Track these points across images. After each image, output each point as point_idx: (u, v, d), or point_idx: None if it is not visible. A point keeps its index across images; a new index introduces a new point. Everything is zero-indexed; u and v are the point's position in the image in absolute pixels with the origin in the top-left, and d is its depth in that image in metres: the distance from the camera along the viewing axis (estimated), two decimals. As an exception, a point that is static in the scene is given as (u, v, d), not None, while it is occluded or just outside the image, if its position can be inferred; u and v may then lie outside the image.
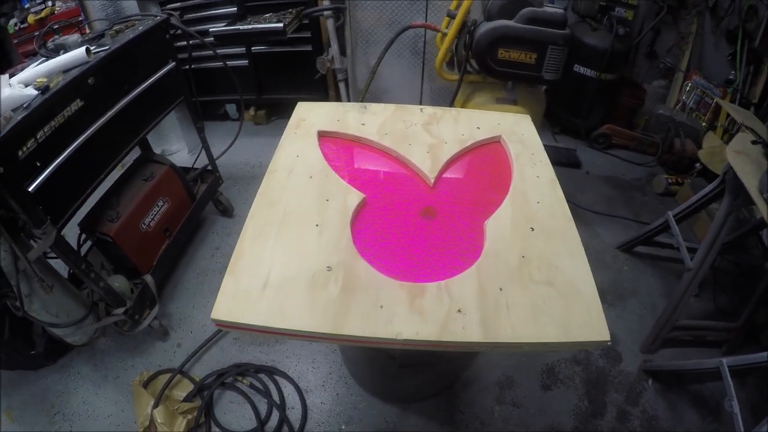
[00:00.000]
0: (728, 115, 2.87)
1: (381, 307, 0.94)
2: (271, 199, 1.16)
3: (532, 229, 1.14)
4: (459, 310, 0.95)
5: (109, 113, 1.72)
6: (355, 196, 1.17)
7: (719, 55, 3.03)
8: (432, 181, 1.26)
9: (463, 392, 1.89)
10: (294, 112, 1.48)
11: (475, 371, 1.95)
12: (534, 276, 1.04)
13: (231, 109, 3.18)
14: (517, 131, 1.48)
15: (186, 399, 1.84)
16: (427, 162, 1.30)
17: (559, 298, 1.00)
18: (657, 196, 2.87)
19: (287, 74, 2.93)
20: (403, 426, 1.79)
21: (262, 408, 1.82)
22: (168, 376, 1.90)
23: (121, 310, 1.84)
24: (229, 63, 2.65)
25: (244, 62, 2.90)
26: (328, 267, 1.01)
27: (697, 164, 2.83)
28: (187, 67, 2.17)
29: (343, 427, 1.79)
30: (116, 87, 1.77)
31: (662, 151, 2.97)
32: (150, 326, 1.98)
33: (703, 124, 2.97)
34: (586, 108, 2.97)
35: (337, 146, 1.37)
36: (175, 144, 2.84)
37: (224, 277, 1.01)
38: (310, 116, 1.44)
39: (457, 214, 1.19)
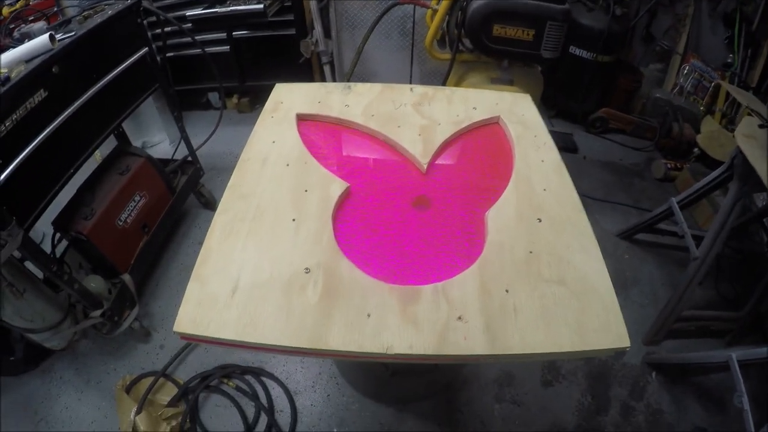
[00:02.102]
0: (727, 98, 2.73)
1: (368, 315, 0.78)
2: (243, 191, 0.99)
3: (540, 220, 0.98)
4: (459, 318, 0.79)
5: (77, 103, 1.54)
6: (337, 186, 0.99)
7: (716, 38, 2.86)
8: (425, 166, 1.08)
9: (461, 391, 1.74)
10: (271, 94, 1.30)
11: (473, 368, 1.80)
12: (544, 273, 0.88)
13: (214, 97, 2.97)
14: (517, 111, 1.31)
15: (170, 403, 1.68)
16: (418, 146, 1.12)
17: (573, 299, 0.84)
18: (656, 181, 2.71)
19: (271, 59, 2.73)
20: (398, 428, 1.63)
21: (250, 411, 1.66)
22: (151, 379, 1.73)
23: (98, 312, 1.67)
24: (210, 49, 2.47)
25: (226, 48, 2.69)
26: (306, 269, 0.84)
27: (696, 149, 2.68)
28: (163, 53, 1.98)
29: (335, 430, 1.63)
30: (84, 75, 1.59)
31: (660, 136, 2.80)
32: (131, 327, 1.81)
33: (701, 108, 2.81)
34: (583, 91, 2.79)
35: (317, 130, 1.19)
36: (156, 135, 2.64)
37: (189, 282, 0.84)
38: (289, 98, 1.26)
39: (453, 204, 1.02)
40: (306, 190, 0.98)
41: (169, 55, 2.60)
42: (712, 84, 2.75)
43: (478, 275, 0.85)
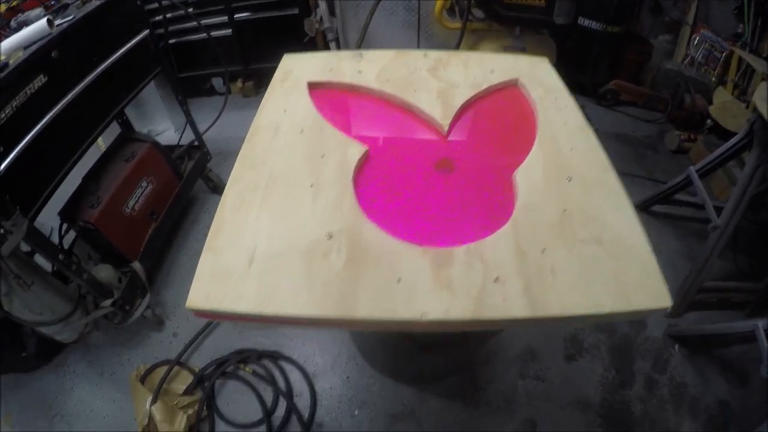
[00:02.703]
0: (738, 69, 2.63)
1: (399, 280, 0.71)
2: (254, 161, 0.92)
3: (569, 180, 0.91)
4: (496, 279, 0.72)
5: (78, 88, 1.48)
6: (355, 150, 0.92)
7: (726, 9, 2.74)
8: (446, 129, 1.01)
9: (483, 368, 1.68)
10: (279, 65, 1.22)
11: (495, 344, 1.74)
12: (579, 233, 0.81)
13: (218, 82, 2.89)
14: (536, 74, 1.23)
15: (186, 392, 1.62)
16: (437, 108, 1.05)
17: (610, 259, 0.77)
18: (669, 153, 2.62)
19: (274, 40, 2.63)
20: (421, 408, 1.58)
21: (268, 397, 1.61)
22: (165, 368, 1.68)
23: (108, 301, 1.62)
24: (212, 33, 2.38)
25: (228, 32, 2.60)
26: (328, 234, 0.77)
27: (708, 120, 2.58)
28: (165, 39, 1.90)
29: (356, 412, 1.58)
30: (84, 59, 1.52)
31: (672, 107, 2.70)
32: (143, 316, 1.76)
33: (713, 79, 2.70)
34: (593, 63, 2.69)
35: (330, 98, 1.11)
36: (161, 124, 2.57)
37: (201, 256, 0.77)
38: (299, 68, 1.18)
39: (478, 166, 0.95)
40: (322, 156, 0.91)
41: (171, 41, 2.52)
42: (723, 54, 2.64)
43: (512, 235, 0.79)
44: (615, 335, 1.80)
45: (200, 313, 0.72)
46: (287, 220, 0.80)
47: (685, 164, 2.51)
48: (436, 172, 0.92)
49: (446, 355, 1.27)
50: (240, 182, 0.88)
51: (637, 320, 1.85)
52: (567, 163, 0.95)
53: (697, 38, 2.74)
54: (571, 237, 0.80)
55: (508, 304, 0.69)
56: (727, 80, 2.67)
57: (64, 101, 1.42)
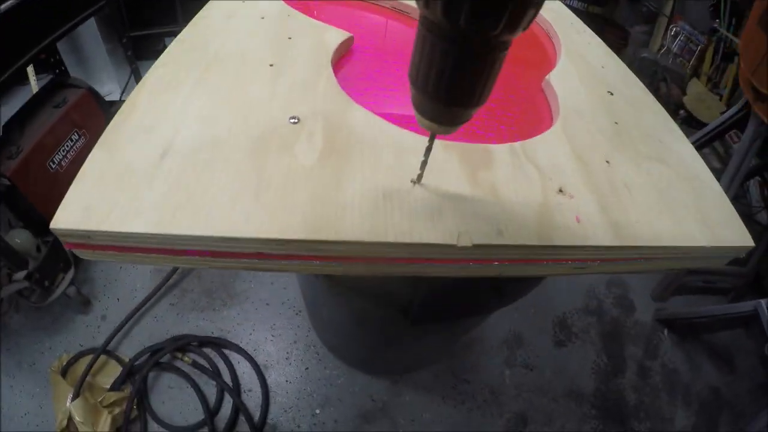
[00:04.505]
0: (712, 62, 2.54)
1: (413, 183, 0.41)
2: (195, 42, 0.60)
3: (611, 93, 0.66)
4: (560, 190, 0.44)
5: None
6: (335, 34, 0.62)
7: (701, 5, 2.65)
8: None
9: (465, 356, 1.41)
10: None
11: (477, 329, 1.48)
12: (641, 149, 0.56)
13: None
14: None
15: (113, 387, 1.27)
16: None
17: (682, 182, 0.53)
18: (645, 139, 2.48)
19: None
20: (395, 404, 1.28)
21: (211, 393, 1.27)
22: (90, 358, 1.30)
23: (22, 273, 1.24)
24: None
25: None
26: (292, 118, 0.46)
27: (682, 111, 2.47)
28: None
29: (318, 411, 1.26)
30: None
31: (647, 95, 2.57)
32: (66, 295, 1.37)
33: (687, 71, 2.60)
34: (573, 45, 2.52)
35: (304, 4, 0.80)
36: (107, 84, 2.15)
37: (90, 152, 0.44)
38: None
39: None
40: (290, 38, 0.61)
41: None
42: (699, 47, 2.54)
43: (565, 137, 0.52)
44: (604, 319, 1.61)
45: (73, 241, 0.39)
46: (230, 100, 0.48)
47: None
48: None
49: (440, 331, 0.96)
50: (172, 64, 0.55)
51: (625, 303, 1.65)
52: (602, 77, 0.72)
53: (675, 29, 2.63)
54: (633, 151, 0.55)
55: (586, 226, 0.41)
56: (701, 72, 2.57)
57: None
